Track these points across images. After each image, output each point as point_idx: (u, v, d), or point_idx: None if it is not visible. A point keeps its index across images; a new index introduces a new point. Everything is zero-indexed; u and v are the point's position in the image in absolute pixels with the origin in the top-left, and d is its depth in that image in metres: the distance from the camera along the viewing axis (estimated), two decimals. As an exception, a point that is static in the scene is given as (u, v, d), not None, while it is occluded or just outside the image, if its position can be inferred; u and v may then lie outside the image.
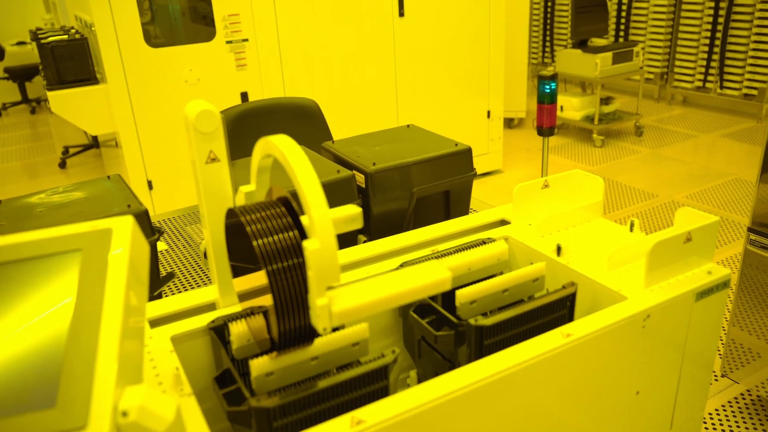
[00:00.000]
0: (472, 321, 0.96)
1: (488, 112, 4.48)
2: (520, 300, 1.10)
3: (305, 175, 0.76)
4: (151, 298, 1.23)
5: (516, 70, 5.42)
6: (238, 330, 0.95)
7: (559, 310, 1.04)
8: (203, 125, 0.97)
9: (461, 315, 1.04)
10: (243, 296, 1.02)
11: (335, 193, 1.34)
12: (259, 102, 2.27)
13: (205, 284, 1.47)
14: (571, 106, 5.35)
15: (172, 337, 0.99)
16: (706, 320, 1.10)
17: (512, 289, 1.08)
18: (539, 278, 1.10)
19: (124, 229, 0.80)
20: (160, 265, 1.61)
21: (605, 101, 5.39)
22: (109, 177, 1.39)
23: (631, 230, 1.27)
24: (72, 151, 5.75)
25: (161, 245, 1.71)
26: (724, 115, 5.94)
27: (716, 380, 2.48)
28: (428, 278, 0.83)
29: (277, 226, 0.82)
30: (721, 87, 5.90)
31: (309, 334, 0.84)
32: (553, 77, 1.27)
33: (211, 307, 1.11)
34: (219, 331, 1.01)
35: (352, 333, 0.93)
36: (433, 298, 1.13)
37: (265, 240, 0.80)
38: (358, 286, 0.80)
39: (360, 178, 1.39)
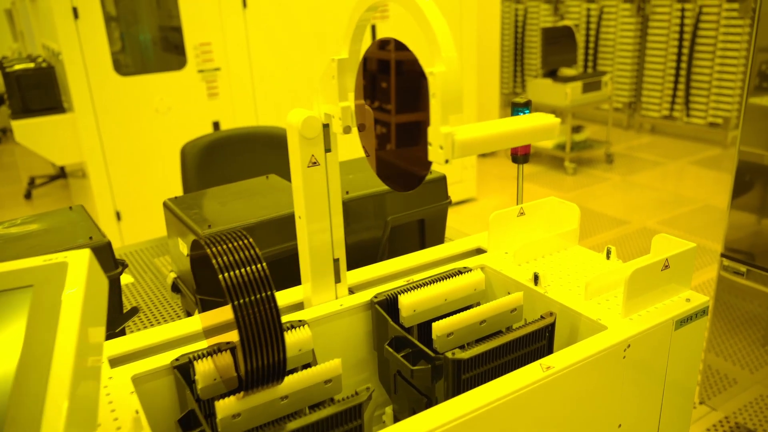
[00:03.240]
0: (449, 354, 0.92)
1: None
2: (498, 331, 1.07)
3: (429, 9, 0.79)
4: (114, 334, 1.17)
5: (488, 99, 5.48)
6: (203, 368, 0.90)
7: (538, 341, 1.01)
8: (308, 130, 1.01)
9: (438, 348, 1.00)
10: (209, 332, 0.97)
11: (307, 223, 1.30)
12: (229, 131, 2.23)
13: (172, 319, 1.41)
14: (542, 135, 5.42)
15: (134, 377, 0.94)
16: (686, 348, 1.08)
17: (490, 320, 1.05)
18: (517, 308, 1.08)
19: (80, 263, 0.75)
20: (125, 299, 1.55)
21: (576, 130, 5.47)
22: (71, 208, 1.34)
23: (608, 258, 1.26)
24: (38, 181, 5.62)
25: (127, 278, 1.65)
26: (691, 142, 6.08)
27: (694, 408, 2.47)
28: (538, 122, 0.87)
29: (244, 258, 0.78)
30: (688, 115, 6.05)
31: (278, 371, 0.80)
32: (527, 104, 1.26)
33: (176, 343, 1.06)
34: (184, 369, 0.95)
35: (325, 370, 0.89)
36: (409, 330, 1.10)
37: (232, 273, 0.76)
38: (473, 125, 0.82)
39: (332, 207, 1.35)
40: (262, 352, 0.77)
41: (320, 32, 3.65)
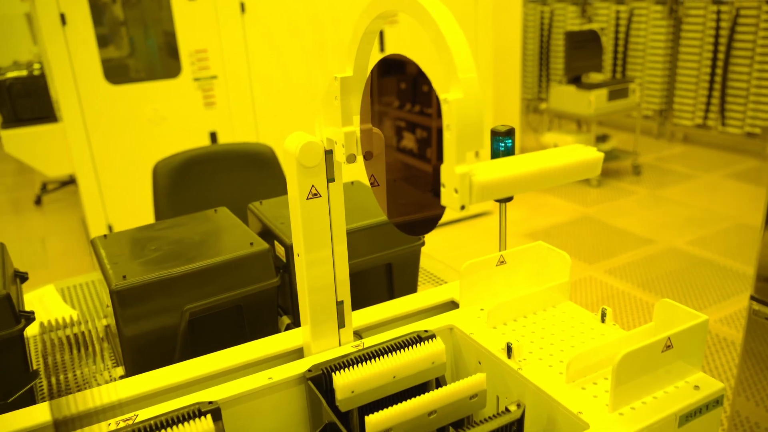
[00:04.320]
0: (378, 465, 0.72)
1: (476, 152, 4.28)
2: (459, 420, 0.87)
3: (442, 19, 0.66)
4: (6, 406, 1.00)
5: (508, 106, 5.24)
6: (69, 475, 0.72)
7: (502, 440, 0.81)
8: (307, 159, 0.88)
9: (373, 448, 0.80)
10: (105, 412, 0.79)
11: (248, 270, 1.12)
12: (205, 149, 2.07)
13: (91, 385, 1.23)
14: (565, 144, 5.16)
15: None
16: (694, 449, 0.86)
17: (441, 410, 0.84)
18: (479, 394, 0.87)
19: None
20: (64, 340, 1.38)
21: (601, 139, 5.19)
22: (-12, 247, 1.17)
23: (603, 320, 1.04)
24: (50, 187, 5.58)
25: (69, 311, 1.48)
26: (727, 153, 5.73)
27: (719, 461, 2.21)
28: (576, 157, 0.73)
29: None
30: (723, 124, 5.71)
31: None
32: (509, 133, 1.05)
33: (65, 425, 0.88)
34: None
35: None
36: (347, 416, 0.90)
37: (61, 377, 0.58)
38: (497, 162, 0.70)
39: (281, 251, 1.17)
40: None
41: (324, 39, 3.47)
